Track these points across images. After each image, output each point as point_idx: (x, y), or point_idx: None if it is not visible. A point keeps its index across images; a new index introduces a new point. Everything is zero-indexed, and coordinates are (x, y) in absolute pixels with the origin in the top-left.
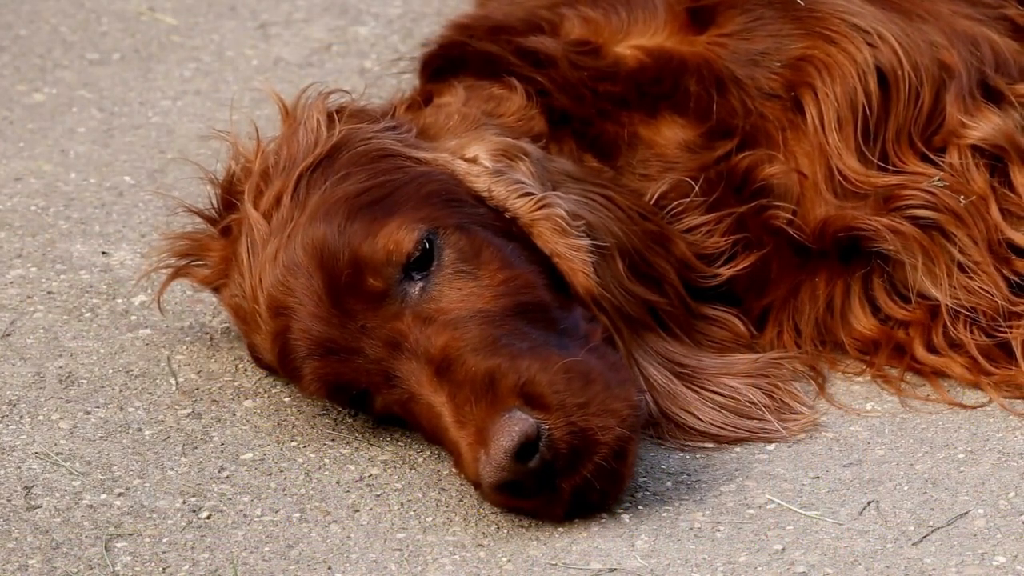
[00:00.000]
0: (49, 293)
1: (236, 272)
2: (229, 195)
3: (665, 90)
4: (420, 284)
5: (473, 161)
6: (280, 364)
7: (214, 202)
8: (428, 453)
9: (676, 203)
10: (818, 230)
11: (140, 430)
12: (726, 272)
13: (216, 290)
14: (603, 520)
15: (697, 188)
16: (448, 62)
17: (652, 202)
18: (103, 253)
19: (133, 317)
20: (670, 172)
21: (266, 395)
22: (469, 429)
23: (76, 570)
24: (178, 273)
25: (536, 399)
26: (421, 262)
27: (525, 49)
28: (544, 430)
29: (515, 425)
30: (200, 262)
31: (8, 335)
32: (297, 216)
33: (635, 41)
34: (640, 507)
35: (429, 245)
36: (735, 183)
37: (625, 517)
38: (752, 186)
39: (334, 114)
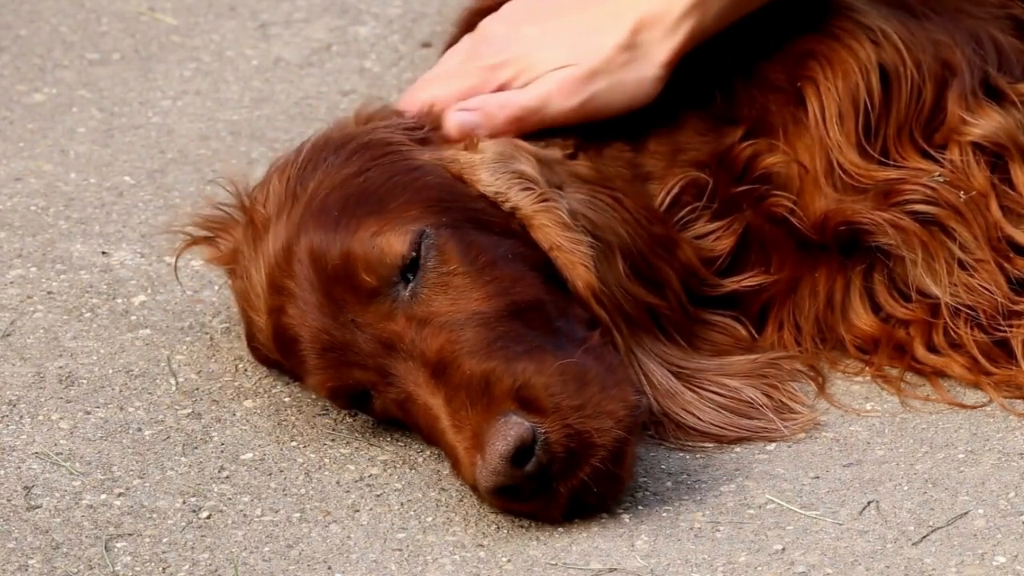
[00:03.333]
0: (49, 293)
1: (242, 256)
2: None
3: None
4: (413, 285)
5: (477, 152)
6: (275, 345)
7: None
8: (428, 453)
9: (688, 208)
10: (819, 223)
11: (140, 430)
12: (732, 284)
13: (230, 272)
14: (603, 520)
15: (709, 185)
16: None
17: (663, 203)
18: (103, 253)
19: (133, 317)
20: (680, 155)
21: (266, 395)
22: (466, 433)
23: (76, 570)
24: (196, 242)
25: (532, 402)
26: (415, 262)
27: None
28: (540, 434)
29: (511, 429)
30: (218, 240)
31: (8, 335)
32: (295, 200)
33: None
34: (640, 507)
35: (422, 245)
36: (736, 173)
37: (625, 517)
38: (753, 175)
39: (360, 114)
